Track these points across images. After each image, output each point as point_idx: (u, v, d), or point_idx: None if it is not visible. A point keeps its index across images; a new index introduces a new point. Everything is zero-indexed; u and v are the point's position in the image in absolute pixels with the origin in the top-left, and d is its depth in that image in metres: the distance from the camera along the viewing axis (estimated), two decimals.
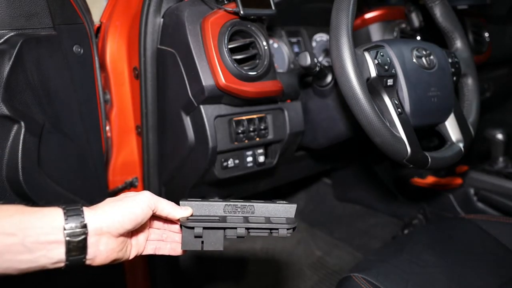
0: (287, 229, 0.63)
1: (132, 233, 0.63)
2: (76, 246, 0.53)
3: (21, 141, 0.76)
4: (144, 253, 0.67)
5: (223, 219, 0.64)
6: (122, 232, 0.57)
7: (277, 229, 0.63)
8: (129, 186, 1.13)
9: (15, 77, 0.75)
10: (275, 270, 1.59)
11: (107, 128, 1.09)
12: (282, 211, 0.67)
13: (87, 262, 0.55)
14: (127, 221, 0.57)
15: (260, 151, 1.03)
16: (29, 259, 0.51)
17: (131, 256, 0.63)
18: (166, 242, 0.68)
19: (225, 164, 0.97)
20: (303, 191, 1.97)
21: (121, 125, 1.09)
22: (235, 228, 0.62)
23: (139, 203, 0.58)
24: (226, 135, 0.95)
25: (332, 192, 2.00)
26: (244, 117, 0.97)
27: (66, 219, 0.52)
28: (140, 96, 1.02)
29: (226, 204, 0.66)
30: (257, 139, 1.00)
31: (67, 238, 0.52)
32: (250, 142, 0.99)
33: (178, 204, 0.65)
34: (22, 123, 0.76)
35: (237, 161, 0.99)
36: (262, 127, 1.00)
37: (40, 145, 0.81)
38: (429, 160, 0.84)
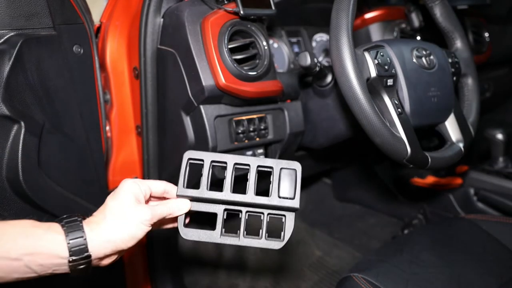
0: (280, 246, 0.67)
1: None
2: (80, 271, 0.55)
3: (21, 141, 0.76)
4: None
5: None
6: (120, 250, 0.59)
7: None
8: None
9: (15, 77, 0.75)
10: (275, 270, 1.59)
11: (107, 128, 1.09)
12: (282, 209, 0.67)
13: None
14: (127, 244, 0.59)
15: (260, 151, 1.03)
16: (36, 276, 0.53)
17: None
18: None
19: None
20: (303, 191, 1.97)
21: (121, 125, 1.09)
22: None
23: (140, 226, 0.59)
24: (226, 135, 0.95)
25: (332, 192, 2.00)
26: (244, 117, 0.97)
27: (70, 251, 0.53)
28: (140, 96, 1.02)
29: (225, 207, 0.68)
30: (257, 139, 1.00)
31: (72, 268, 0.54)
32: (250, 142, 0.99)
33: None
34: (22, 123, 0.76)
35: None
36: (262, 127, 1.00)
37: (40, 145, 0.81)
38: (429, 160, 0.84)
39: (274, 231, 0.68)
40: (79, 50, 0.92)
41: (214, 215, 0.67)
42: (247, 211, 0.68)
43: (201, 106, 0.91)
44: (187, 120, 0.95)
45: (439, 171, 1.54)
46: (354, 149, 1.51)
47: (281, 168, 0.67)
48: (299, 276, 1.56)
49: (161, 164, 1.05)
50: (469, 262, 0.93)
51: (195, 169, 0.69)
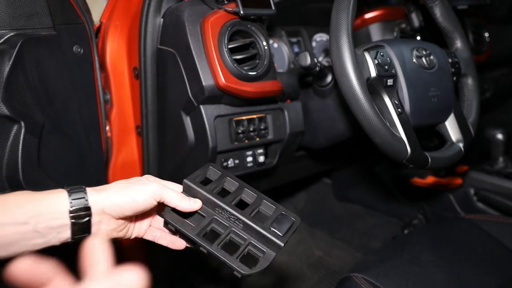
0: (246, 273, 0.60)
1: (136, 217, 0.66)
2: (81, 227, 0.57)
3: (21, 141, 0.76)
4: (144, 237, 0.69)
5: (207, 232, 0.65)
6: (121, 216, 0.60)
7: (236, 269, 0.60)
8: None
9: (15, 77, 0.75)
10: (275, 270, 1.59)
11: (107, 128, 1.09)
12: (267, 241, 0.63)
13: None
14: (127, 208, 0.59)
15: (260, 151, 1.03)
16: (42, 242, 0.55)
17: (132, 237, 0.67)
18: (167, 233, 0.70)
19: (225, 164, 0.97)
20: (303, 191, 1.97)
21: (121, 125, 1.09)
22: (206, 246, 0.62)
23: (143, 193, 0.60)
24: (226, 135, 0.95)
25: (332, 192, 2.00)
26: (244, 117, 0.97)
27: (71, 203, 0.56)
28: (140, 96, 1.02)
29: (218, 209, 0.66)
30: (257, 139, 1.00)
31: (73, 221, 0.56)
32: (250, 142, 0.99)
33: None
34: (22, 123, 0.76)
35: (237, 161, 0.99)
36: (262, 127, 1.00)
37: (40, 145, 0.81)
38: (429, 160, 0.84)
39: (251, 257, 0.64)
40: (79, 50, 0.92)
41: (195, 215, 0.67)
42: (233, 230, 0.65)
43: (201, 106, 0.91)
44: (187, 120, 0.95)
45: (439, 171, 1.54)
46: (354, 149, 1.51)
47: (281, 213, 0.67)
48: (299, 276, 1.56)
49: (161, 164, 1.05)
50: (469, 262, 0.93)
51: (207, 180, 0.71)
